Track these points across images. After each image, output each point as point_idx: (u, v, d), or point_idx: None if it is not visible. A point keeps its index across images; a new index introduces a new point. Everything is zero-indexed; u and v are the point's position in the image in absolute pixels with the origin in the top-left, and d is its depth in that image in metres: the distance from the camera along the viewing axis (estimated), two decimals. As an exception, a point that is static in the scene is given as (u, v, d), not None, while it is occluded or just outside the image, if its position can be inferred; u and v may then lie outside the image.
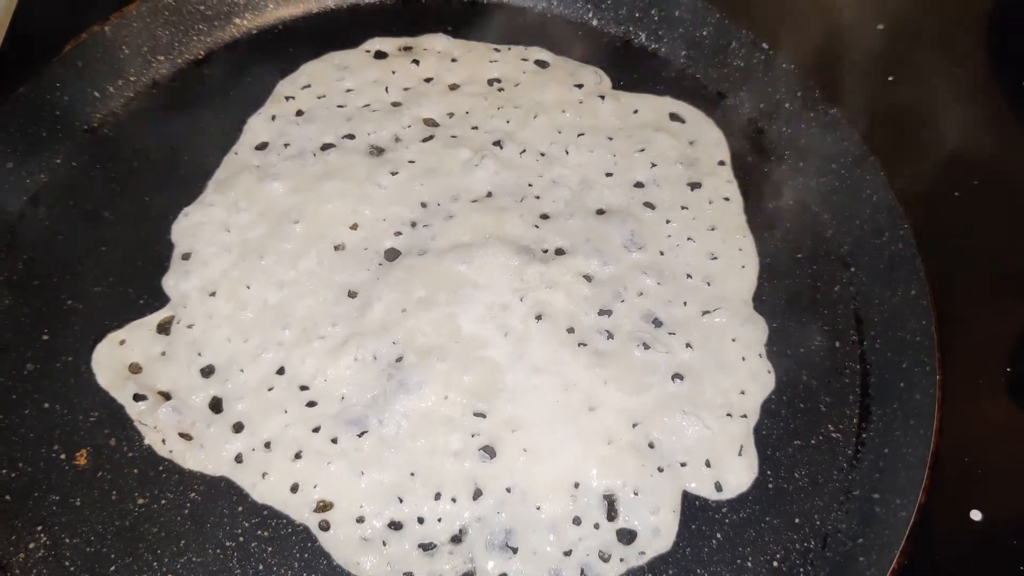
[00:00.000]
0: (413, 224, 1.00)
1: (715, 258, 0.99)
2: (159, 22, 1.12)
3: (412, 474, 0.84)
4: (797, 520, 0.85)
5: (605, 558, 0.82)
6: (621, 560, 0.82)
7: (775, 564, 0.83)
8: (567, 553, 0.81)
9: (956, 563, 0.87)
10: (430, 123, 1.09)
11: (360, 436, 0.86)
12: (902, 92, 1.18)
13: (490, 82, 1.14)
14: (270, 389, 0.89)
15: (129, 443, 0.86)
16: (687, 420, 0.88)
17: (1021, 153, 1.17)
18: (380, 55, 1.16)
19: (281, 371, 0.90)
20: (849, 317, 0.98)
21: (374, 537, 0.82)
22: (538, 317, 0.92)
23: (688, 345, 0.93)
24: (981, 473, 0.90)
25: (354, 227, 0.99)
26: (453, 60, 1.15)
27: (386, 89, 1.11)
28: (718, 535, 0.84)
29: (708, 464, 0.87)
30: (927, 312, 0.91)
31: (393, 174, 1.03)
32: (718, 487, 0.86)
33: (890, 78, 1.20)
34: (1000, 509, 0.88)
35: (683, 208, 1.03)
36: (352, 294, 0.94)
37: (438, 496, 0.83)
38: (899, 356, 0.92)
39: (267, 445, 0.86)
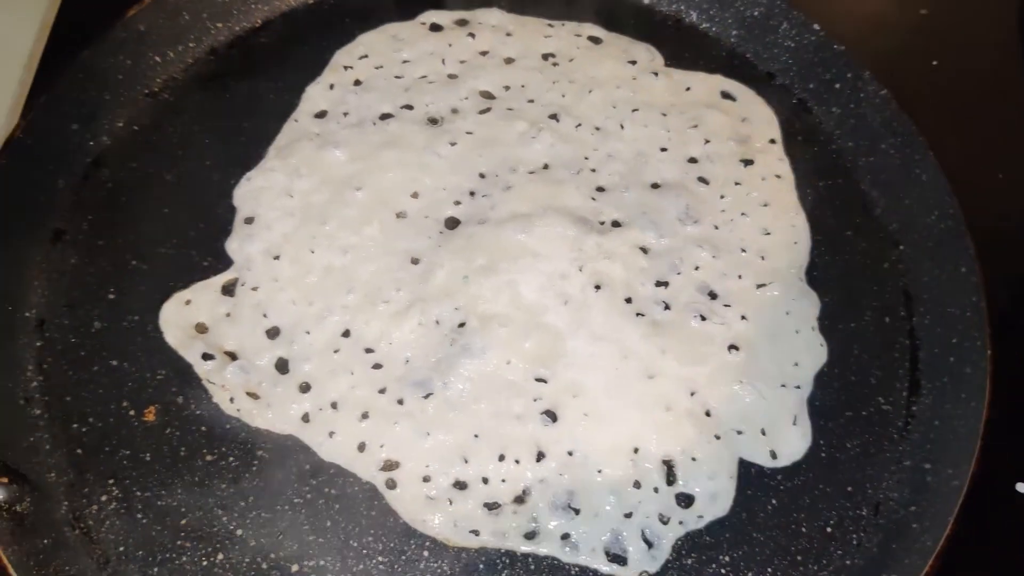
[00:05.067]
0: (472, 194, 1.01)
1: (768, 233, 1.01)
2: (219, -13, 1.14)
3: (476, 436, 0.86)
4: (849, 488, 0.87)
5: (664, 520, 0.84)
6: (680, 523, 0.84)
7: (828, 530, 0.85)
8: (627, 515, 0.83)
9: (1001, 534, 0.89)
10: (486, 95, 1.11)
11: (425, 398, 0.87)
12: (946, 76, 1.19)
13: (544, 56, 1.15)
14: (336, 351, 0.90)
15: (196, 401, 0.88)
16: (743, 390, 0.90)
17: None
18: (435, 28, 1.17)
19: (346, 334, 0.91)
20: (898, 293, 0.99)
21: (440, 496, 0.83)
22: (596, 287, 0.94)
23: (743, 317, 0.95)
24: (1026, 447, 0.92)
25: (415, 196, 1.00)
26: (508, 34, 1.16)
27: (443, 61, 1.13)
28: (773, 501, 0.86)
29: (763, 433, 0.89)
30: (976, 289, 0.93)
31: (452, 144, 1.04)
32: (773, 455, 0.88)
33: (934, 62, 1.21)
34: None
35: (737, 184, 1.04)
36: (415, 261, 0.96)
37: (502, 458, 0.85)
38: (949, 331, 0.94)
39: (334, 405, 0.87)
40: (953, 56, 1.22)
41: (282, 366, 0.90)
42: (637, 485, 0.85)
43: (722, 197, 1.03)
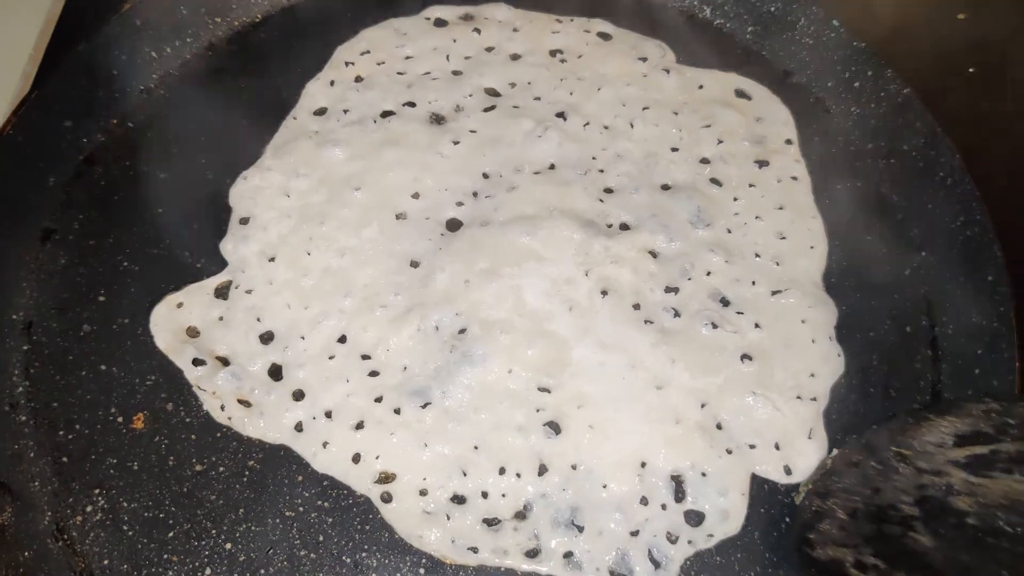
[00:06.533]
0: (475, 194, 0.98)
1: (784, 238, 0.97)
2: (218, -18, 1.11)
3: (476, 447, 0.83)
4: (868, 506, 0.83)
5: (673, 539, 0.80)
6: (689, 542, 0.80)
7: (845, 550, 0.81)
8: (634, 533, 0.80)
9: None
10: (491, 93, 1.07)
11: (423, 407, 0.84)
12: (984, 83, 1.15)
13: (552, 53, 1.11)
14: (331, 357, 0.87)
15: (187, 408, 0.85)
16: (757, 401, 0.86)
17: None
18: (440, 23, 1.14)
19: (342, 339, 0.88)
20: (920, 302, 0.95)
21: (437, 511, 0.80)
22: (603, 292, 0.90)
23: (757, 325, 0.91)
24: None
25: (415, 196, 0.97)
26: (515, 30, 1.13)
27: (447, 57, 1.09)
28: (787, 519, 0.82)
29: (777, 447, 0.85)
30: (1005, 298, 0.89)
31: (455, 143, 1.01)
32: (787, 470, 0.84)
33: (971, 69, 1.16)
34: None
35: (751, 186, 1.00)
36: (414, 264, 0.93)
37: (502, 471, 0.82)
38: (973, 343, 0.90)
39: (328, 414, 0.84)
40: (991, 63, 1.17)
41: (275, 372, 0.87)
42: (644, 501, 0.81)
43: (735, 199, 0.99)
